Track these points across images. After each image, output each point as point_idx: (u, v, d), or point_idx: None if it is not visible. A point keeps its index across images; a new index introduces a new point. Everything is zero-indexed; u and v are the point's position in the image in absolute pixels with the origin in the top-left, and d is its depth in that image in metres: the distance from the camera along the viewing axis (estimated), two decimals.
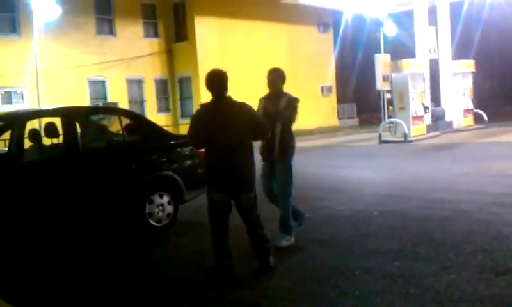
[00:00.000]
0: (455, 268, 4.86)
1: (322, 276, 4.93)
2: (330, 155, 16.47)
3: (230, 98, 5.03)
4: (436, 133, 20.38)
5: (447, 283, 4.51)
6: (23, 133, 6.64)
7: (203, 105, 5.10)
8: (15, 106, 19.78)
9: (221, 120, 4.88)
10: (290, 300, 4.37)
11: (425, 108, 20.03)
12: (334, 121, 31.30)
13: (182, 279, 5.14)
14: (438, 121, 21.45)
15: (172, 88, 26.45)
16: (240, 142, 4.95)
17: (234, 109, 4.98)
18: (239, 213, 5.09)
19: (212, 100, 5.00)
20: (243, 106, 5.05)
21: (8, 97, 21.11)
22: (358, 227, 6.69)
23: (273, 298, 4.42)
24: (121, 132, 7.31)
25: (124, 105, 22.26)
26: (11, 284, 5.35)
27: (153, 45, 25.68)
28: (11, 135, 6.65)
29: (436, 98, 22.97)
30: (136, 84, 25.02)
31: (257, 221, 5.14)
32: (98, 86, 23.82)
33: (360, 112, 34.56)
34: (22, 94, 21.36)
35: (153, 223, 6.95)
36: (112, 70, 23.63)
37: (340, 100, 33.40)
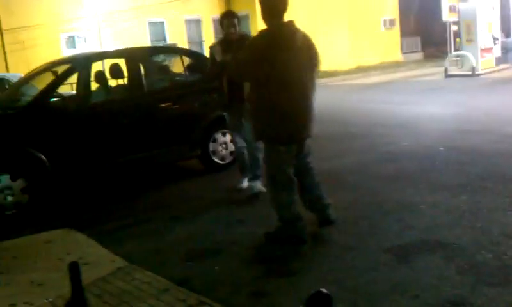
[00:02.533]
0: None
1: (387, 210, 4.91)
2: (393, 91, 16.05)
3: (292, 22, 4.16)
4: (507, 65, 19.41)
5: None
6: (89, 76, 6.83)
7: (266, 31, 4.13)
8: (79, 50, 20.27)
9: (292, 51, 4.05)
10: (355, 234, 4.39)
11: (495, 39, 19.03)
12: (397, 55, 30.30)
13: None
14: (509, 53, 20.36)
15: None
16: (310, 77, 4.21)
17: (299, 36, 4.14)
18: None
19: (277, 24, 4.10)
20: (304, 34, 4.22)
21: (71, 41, 21.61)
22: (424, 162, 6.57)
23: (338, 230, 4.46)
24: (183, 72, 7.39)
25: (183, 45, 22.36)
26: (80, 214, 5.69)
27: None
28: (78, 78, 6.86)
29: (506, 28, 21.74)
30: (194, 24, 24.97)
31: (313, 169, 4.49)
32: (158, 28, 23.95)
33: (425, 46, 33.19)
34: (85, 38, 21.82)
35: (218, 161, 7.09)
36: (170, 10, 23.65)
37: (404, 33, 32.16)
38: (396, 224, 4.53)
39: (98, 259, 4.27)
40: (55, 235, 4.99)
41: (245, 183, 5.98)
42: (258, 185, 5.73)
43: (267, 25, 4.14)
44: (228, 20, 5.68)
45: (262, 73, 3.98)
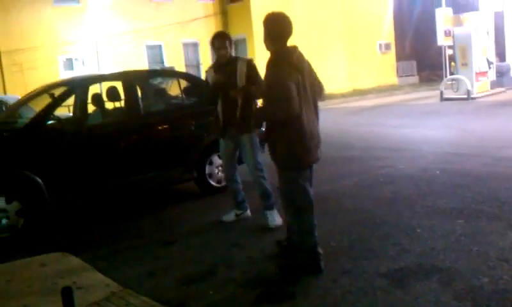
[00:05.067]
0: None
1: (383, 234, 4.90)
2: (389, 114, 16.13)
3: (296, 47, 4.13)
4: (502, 89, 19.55)
5: None
6: (86, 98, 6.85)
7: (283, 55, 4.01)
8: (76, 72, 20.37)
9: (302, 74, 3.99)
10: (351, 258, 4.37)
11: (490, 63, 19.21)
12: (393, 79, 30.56)
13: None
14: (503, 77, 20.54)
15: None
16: (315, 100, 4.18)
17: (305, 61, 4.11)
18: None
19: (289, 48, 4.06)
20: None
21: (69, 64, 21.74)
22: (420, 186, 6.57)
23: (334, 253, 4.44)
24: (179, 95, 7.42)
25: (180, 68, 22.50)
26: (75, 238, 5.65)
27: (207, 7, 25.66)
28: (75, 100, 6.90)
29: (501, 52, 21.96)
30: (191, 47, 25.18)
31: None
32: (155, 51, 24.14)
33: (420, 70, 33.48)
34: (83, 61, 21.95)
35: (214, 183, 7.08)
36: (168, 34, 23.84)
37: (399, 57, 32.46)
38: (392, 247, 4.52)
39: (92, 284, 4.23)
40: (49, 258, 4.95)
41: (231, 215, 5.80)
42: (277, 218, 5.40)
43: (270, 49, 4.09)
44: (218, 41, 5.47)
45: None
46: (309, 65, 4.15)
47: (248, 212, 5.84)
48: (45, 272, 4.60)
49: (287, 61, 3.97)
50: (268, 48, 4.10)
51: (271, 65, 4.04)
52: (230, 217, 5.81)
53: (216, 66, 5.59)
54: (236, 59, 5.55)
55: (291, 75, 3.88)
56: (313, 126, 4.07)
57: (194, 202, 6.90)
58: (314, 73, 4.20)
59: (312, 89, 4.10)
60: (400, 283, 3.79)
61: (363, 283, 3.84)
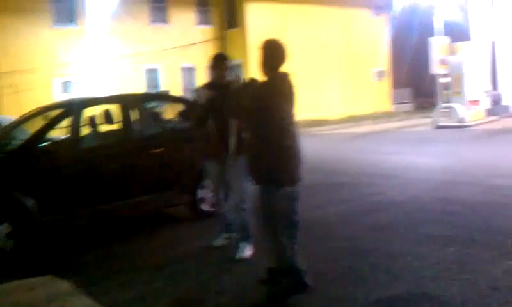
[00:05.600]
0: None
1: (374, 261, 4.89)
2: (384, 141, 16.20)
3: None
4: (494, 117, 19.70)
5: (504, 269, 4.40)
6: (80, 121, 6.86)
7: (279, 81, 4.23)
8: (72, 95, 20.41)
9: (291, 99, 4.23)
10: (342, 285, 4.35)
11: (484, 92, 19.39)
12: (388, 106, 30.74)
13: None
14: (496, 106, 20.73)
15: None
16: None
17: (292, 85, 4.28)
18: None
19: (283, 74, 4.23)
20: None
21: (66, 86, 21.81)
22: (411, 213, 6.58)
23: (324, 281, 4.42)
24: (174, 118, 7.45)
25: (178, 92, 22.59)
26: (64, 261, 5.62)
27: (205, 32, 25.89)
28: (70, 123, 6.89)
29: (494, 81, 22.19)
30: (188, 72, 25.32)
31: None
32: (153, 74, 24.28)
33: (416, 97, 33.71)
34: (80, 84, 22.01)
35: (205, 209, 7.06)
36: (166, 58, 23.99)
37: (395, 84, 32.71)
38: (383, 275, 4.51)
39: None
40: (38, 282, 4.91)
41: (221, 239, 5.74)
42: (248, 252, 5.33)
43: (265, 75, 4.19)
44: (221, 61, 5.55)
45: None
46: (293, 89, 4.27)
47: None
48: (33, 296, 4.57)
49: (279, 87, 4.14)
50: (264, 73, 4.20)
51: (266, 89, 4.17)
52: (220, 241, 5.77)
53: (210, 86, 5.55)
54: (230, 82, 5.44)
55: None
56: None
57: (186, 226, 6.88)
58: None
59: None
60: None
61: None
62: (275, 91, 4.15)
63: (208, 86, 5.61)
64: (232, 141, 5.31)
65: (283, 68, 4.21)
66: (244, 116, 4.46)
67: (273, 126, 4.09)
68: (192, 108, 5.85)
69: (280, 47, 4.23)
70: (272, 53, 4.20)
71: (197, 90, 5.74)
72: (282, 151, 4.09)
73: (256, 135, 4.23)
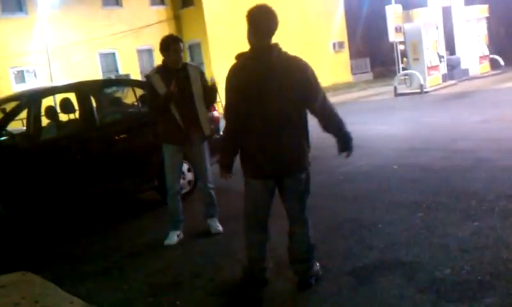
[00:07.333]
0: (478, 216, 4.85)
1: (346, 232, 4.96)
2: (345, 112, 16.05)
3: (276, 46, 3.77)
4: (453, 82, 20.07)
5: (471, 231, 4.51)
6: (39, 112, 6.68)
7: (239, 56, 3.80)
8: (29, 85, 19.87)
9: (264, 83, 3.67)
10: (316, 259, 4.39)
11: (440, 57, 19.71)
12: (348, 77, 31.01)
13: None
14: (454, 70, 21.10)
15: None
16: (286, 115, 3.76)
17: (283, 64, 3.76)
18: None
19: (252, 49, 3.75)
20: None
21: (20, 76, 21.20)
22: (379, 181, 6.68)
23: None
24: (135, 103, 7.32)
25: (136, 75, 22.25)
26: (35, 256, 5.50)
27: (160, 12, 25.49)
28: (28, 114, 6.71)
29: (451, 46, 22.57)
30: (146, 54, 24.92)
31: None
32: (109, 59, 23.81)
33: (374, 66, 34.11)
34: (35, 73, 21.43)
35: None
36: (121, 41, 23.54)
37: (353, 55, 32.99)
38: (356, 245, 4.57)
39: (56, 302, 4.13)
40: (10, 278, 4.80)
41: (174, 238, 5.36)
42: (219, 224, 5.49)
43: (261, 47, 3.81)
44: (177, 43, 5.20)
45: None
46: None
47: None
48: (5, 292, 4.46)
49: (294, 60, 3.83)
50: (259, 43, 3.81)
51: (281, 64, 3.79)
52: (172, 240, 5.35)
53: (163, 71, 5.22)
54: (185, 65, 5.34)
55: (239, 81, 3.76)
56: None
57: (155, 211, 6.80)
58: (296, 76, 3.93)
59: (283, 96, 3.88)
60: (366, 280, 3.84)
61: (330, 283, 3.87)
62: (293, 65, 3.74)
63: (161, 71, 5.25)
64: (206, 124, 5.38)
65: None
66: (233, 109, 3.73)
67: (292, 106, 3.74)
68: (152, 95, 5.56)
69: (274, 12, 3.86)
70: (273, 19, 3.82)
71: (149, 76, 5.31)
72: (304, 130, 3.91)
73: (267, 122, 3.70)
